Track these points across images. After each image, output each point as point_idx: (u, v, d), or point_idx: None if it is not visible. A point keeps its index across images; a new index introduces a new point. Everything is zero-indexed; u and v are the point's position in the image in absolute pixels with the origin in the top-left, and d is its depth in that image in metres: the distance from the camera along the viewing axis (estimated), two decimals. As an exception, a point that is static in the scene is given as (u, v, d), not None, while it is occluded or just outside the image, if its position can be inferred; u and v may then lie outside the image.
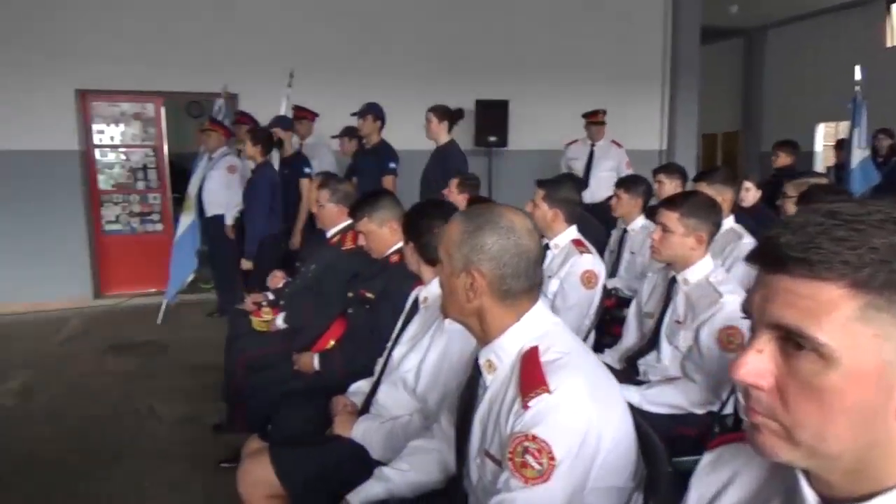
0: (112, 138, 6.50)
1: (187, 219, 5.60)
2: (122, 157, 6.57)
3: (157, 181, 6.68)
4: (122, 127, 6.53)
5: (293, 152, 5.13)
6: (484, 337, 1.38)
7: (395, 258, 2.56)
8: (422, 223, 2.09)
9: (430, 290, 2.05)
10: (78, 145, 6.25)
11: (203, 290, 6.59)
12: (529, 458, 1.19)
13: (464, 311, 1.38)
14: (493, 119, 6.72)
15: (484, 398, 1.38)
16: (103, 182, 6.51)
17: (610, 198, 5.32)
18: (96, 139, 6.44)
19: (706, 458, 0.95)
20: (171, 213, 6.77)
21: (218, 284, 5.87)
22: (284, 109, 5.21)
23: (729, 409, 2.28)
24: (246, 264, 4.68)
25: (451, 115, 4.62)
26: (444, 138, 4.62)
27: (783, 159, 5.69)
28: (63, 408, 3.85)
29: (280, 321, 3.11)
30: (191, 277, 5.74)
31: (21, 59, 5.96)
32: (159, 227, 6.73)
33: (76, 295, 6.33)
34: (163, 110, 6.64)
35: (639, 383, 2.42)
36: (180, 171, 7.48)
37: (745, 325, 2.13)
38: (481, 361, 1.39)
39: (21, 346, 5.08)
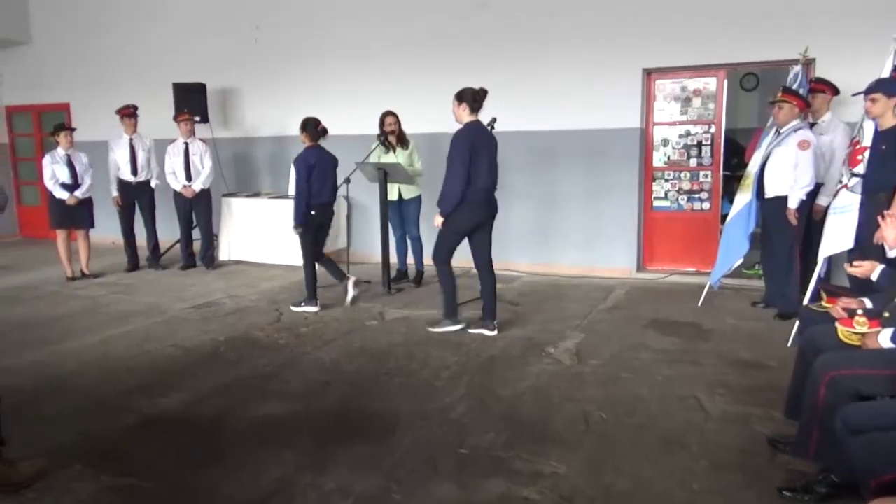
0: (670, 115, 6.49)
1: (743, 198, 5.14)
2: (679, 133, 6.50)
3: (709, 158, 6.41)
4: (680, 104, 6.46)
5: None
6: None
7: None
8: None
9: None
10: (640, 123, 6.45)
11: (746, 275, 6.11)
12: None
13: None
14: None
15: None
16: (657, 159, 6.59)
17: None
18: (656, 117, 6.53)
19: None
20: (720, 191, 6.45)
21: (769, 273, 5.27)
22: (889, 69, 4.13)
23: None
24: None
25: None
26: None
27: None
28: (609, 376, 3.96)
29: (886, 339, 2.42)
30: (739, 262, 5.29)
31: (593, 42, 6.42)
32: (706, 205, 6.47)
33: (621, 265, 6.66)
34: (724, 84, 6.29)
35: None
36: (731, 149, 7.08)
37: None
38: None
39: (575, 307, 5.55)
